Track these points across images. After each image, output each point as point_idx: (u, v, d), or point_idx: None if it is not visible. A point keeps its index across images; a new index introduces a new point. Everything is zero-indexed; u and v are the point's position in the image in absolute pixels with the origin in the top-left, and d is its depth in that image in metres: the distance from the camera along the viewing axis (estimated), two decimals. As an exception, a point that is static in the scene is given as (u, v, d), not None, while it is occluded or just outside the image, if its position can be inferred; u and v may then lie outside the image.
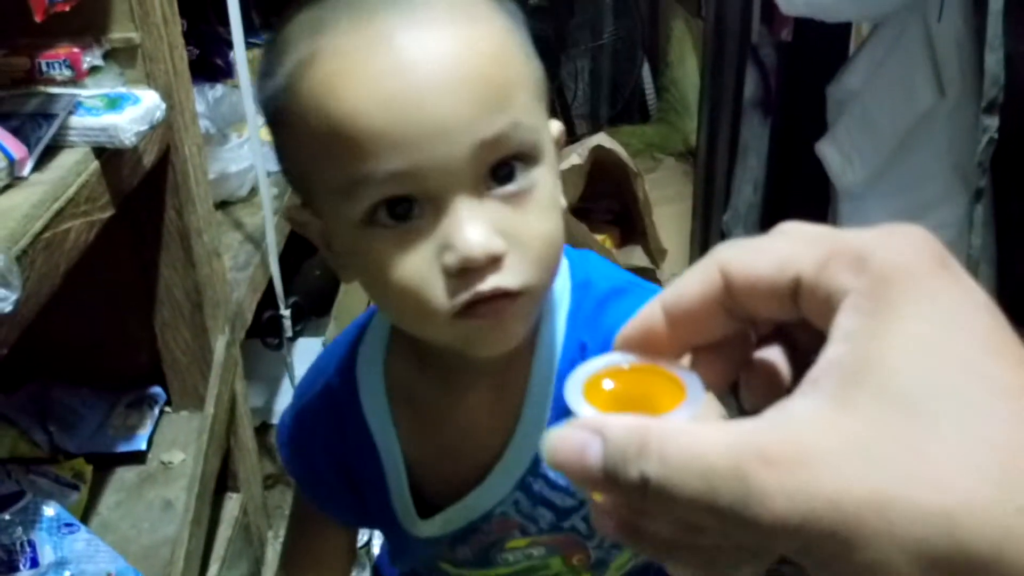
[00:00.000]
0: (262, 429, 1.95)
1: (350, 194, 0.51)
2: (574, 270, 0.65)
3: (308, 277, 2.50)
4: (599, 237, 2.60)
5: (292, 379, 1.72)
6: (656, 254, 2.50)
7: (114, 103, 0.92)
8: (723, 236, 1.33)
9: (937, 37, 1.01)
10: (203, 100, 1.86)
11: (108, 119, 0.89)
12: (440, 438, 0.67)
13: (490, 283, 0.51)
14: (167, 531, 1.09)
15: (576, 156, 2.46)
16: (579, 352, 0.62)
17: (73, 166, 0.87)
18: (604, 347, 0.43)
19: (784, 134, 1.21)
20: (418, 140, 0.49)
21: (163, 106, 0.98)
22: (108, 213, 0.93)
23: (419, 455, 0.68)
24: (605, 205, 2.72)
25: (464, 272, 0.51)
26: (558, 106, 3.23)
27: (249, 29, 2.10)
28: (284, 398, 1.99)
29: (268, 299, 1.58)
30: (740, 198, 1.26)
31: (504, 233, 0.51)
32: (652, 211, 2.54)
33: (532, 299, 0.54)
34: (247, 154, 1.69)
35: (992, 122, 0.87)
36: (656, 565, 0.72)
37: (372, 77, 0.49)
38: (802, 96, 1.16)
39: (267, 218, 1.51)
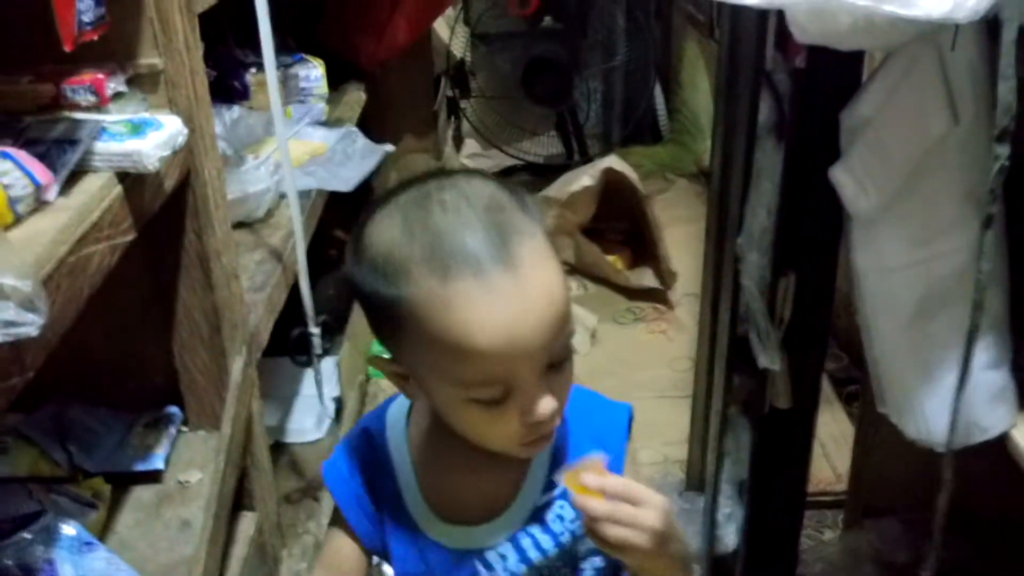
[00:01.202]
0: (276, 448, 1.96)
1: (467, 384, 0.72)
2: None
3: (322, 297, 2.51)
4: (610, 258, 2.62)
5: (321, 396, 1.73)
6: (667, 276, 2.51)
7: (137, 128, 0.94)
8: (737, 260, 1.33)
9: (950, 66, 1.02)
10: (220, 122, 1.88)
11: (132, 144, 0.91)
12: (450, 482, 0.84)
13: (545, 428, 0.76)
14: (184, 551, 1.10)
15: (588, 178, 2.48)
16: (572, 453, 0.84)
17: (97, 191, 0.89)
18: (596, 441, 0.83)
19: (798, 159, 1.22)
20: (519, 358, 0.71)
21: (185, 131, 1.00)
22: (130, 237, 0.95)
23: (431, 492, 0.85)
24: (617, 226, 2.74)
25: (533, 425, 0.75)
26: (571, 126, 3.25)
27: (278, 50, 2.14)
28: (299, 416, 2.00)
29: (287, 318, 1.59)
30: (754, 222, 1.27)
31: (553, 392, 0.74)
32: (663, 234, 2.56)
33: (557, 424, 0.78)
34: (264, 175, 1.71)
35: (1004, 150, 0.87)
36: None
37: (495, 318, 0.69)
38: (816, 122, 1.17)
39: (298, 240, 1.53)
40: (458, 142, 3.43)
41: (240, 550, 1.27)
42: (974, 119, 1.01)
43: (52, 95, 0.97)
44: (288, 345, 1.57)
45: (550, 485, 0.83)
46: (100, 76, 0.98)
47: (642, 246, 2.66)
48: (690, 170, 3.21)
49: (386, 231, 0.74)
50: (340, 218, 2.65)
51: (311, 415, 1.99)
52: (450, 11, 3.19)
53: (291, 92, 2.07)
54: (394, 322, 0.73)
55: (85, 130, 0.91)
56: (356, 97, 2.32)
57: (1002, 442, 1.13)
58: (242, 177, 1.69)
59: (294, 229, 1.42)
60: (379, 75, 2.54)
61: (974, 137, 1.00)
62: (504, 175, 3.33)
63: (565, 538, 0.83)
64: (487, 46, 3.35)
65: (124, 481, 1.19)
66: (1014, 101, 0.86)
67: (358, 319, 2.24)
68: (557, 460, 0.83)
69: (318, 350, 1.55)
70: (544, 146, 3.36)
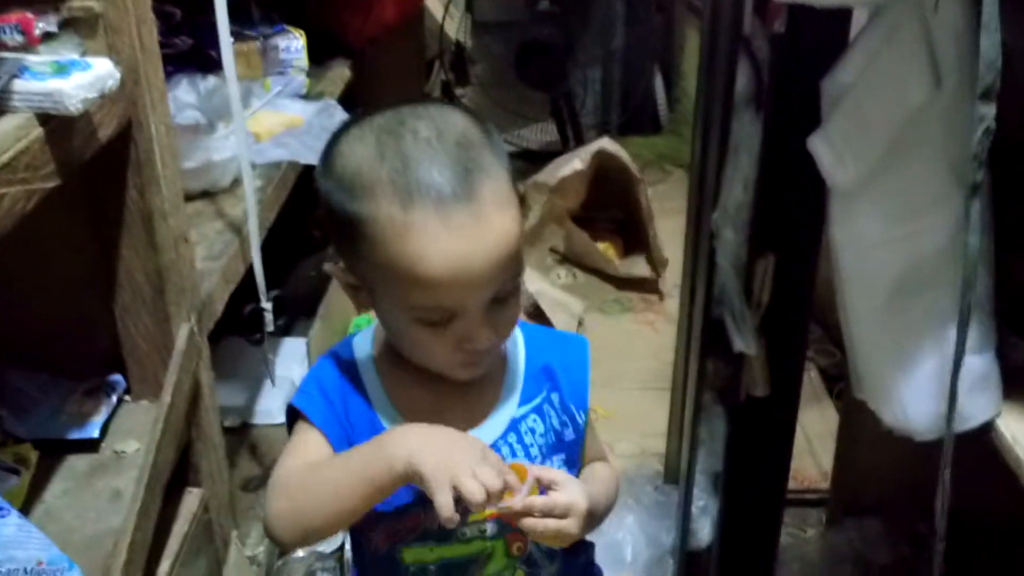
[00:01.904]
0: (242, 429, 1.91)
1: (415, 307, 0.77)
2: None
3: (301, 277, 2.46)
4: (601, 246, 2.55)
5: (272, 376, 1.67)
6: (657, 264, 2.45)
7: (63, 69, 0.88)
8: (712, 238, 1.27)
9: (934, 28, 0.95)
10: (194, 90, 1.83)
11: (53, 84, 0.85)
12: (425, 398, 0.86)
13: (482, 356, 0.82)
14: (113, 522, 1.04)
15: (579, 161, 2.41)
16: (544, 371, 0.91)
17: (12, 131, 0.83)
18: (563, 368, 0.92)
19: (777, 131, 1.15)
20: (467, 290, 0.76)
21: (117, 75, 0.93)
22: (52, 183, 0.88)
23: (405, 409, 0.86)
24: (609, 214, 2.67)
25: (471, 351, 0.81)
26: (567, 114, 3.19)
27: (247, 21, 2.08)
28: (266, 398, 1.94)
29: (253, 294, 1.53)
30: (730, 197, 1.21)
31: (496, 328, 0.80)
32: (654, 220, 2.49)
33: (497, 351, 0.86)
34: (231, 144, 1.65)
35: (988, 111, 0.81)
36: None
37: (449, 251, 0.74)
38: (796, 91, 1.11)
39: (250, 210, 1.47)
40: (452, 128, 3.37)
41: (181, 527, 1.21)
42: (957, 84, 0.94)
43: (-24, 32, 0.91)
44: (241, 322, 1.51)
45: (525, 399, 0.89)
46: (28, 15, 0.92)
47: (634, 236, 2.60)
48: (688, 161, 3.14)
49: (358, 149, 0.77)
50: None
51: (279, 397, 1.93)
52: (446, -6, 3.14)
53: (270, 63, 2.01)
54: (352, 236, 0.77)
55: (3, 68, 0.85)
56: (340, 73, 2.26)
57: (986, 433, 1.07)
58: (209, 144, 1.63)
59: (246, 197, 1.36)
60: (369, 53, 2.48)
61: (957, 103, 0.94)
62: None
63: (534, 451, 0.88)
64: (486, 32, 3.30)
65: (58, 449, 1.13)
66: (999, 56, 0.79)
67: (332, 299, 2.18)
68: (528, 379, 0.90)
69: (270, 327, 1.48)
70: (540, 133, 3.30)
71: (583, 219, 2.61)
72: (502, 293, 0.79)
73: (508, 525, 0.84)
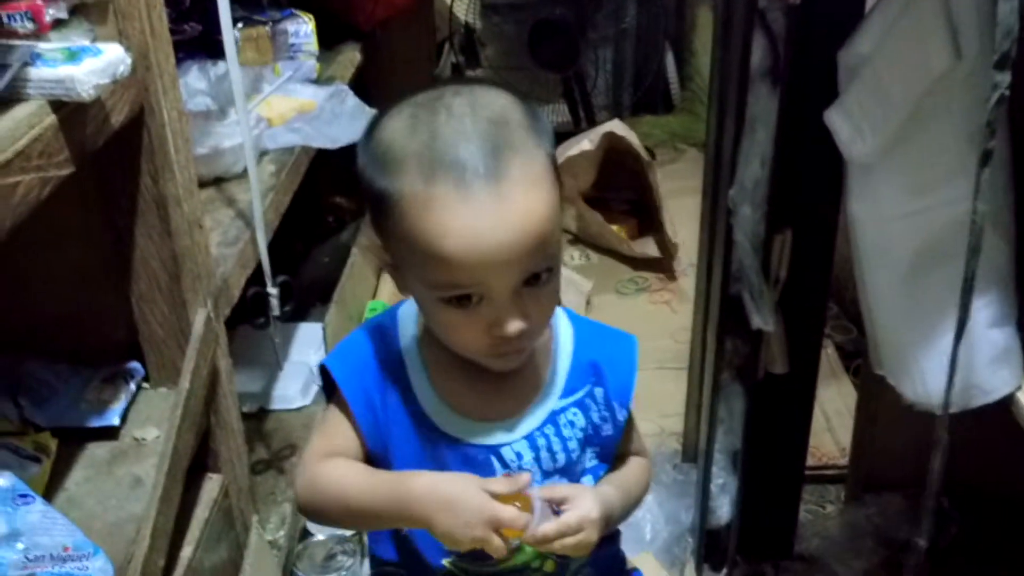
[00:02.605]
0: (260, 415, 1.91)
1: (437, 286, 0.76)
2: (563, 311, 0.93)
3: (316, 263, 2.46)
4: (614, 227, 2.54)
5: (280, 360, 1.66)
6: (669, 245, 2.44)
7: (74, 56, 0.87)
8: (729, 214, 1.26)
9: (954, -2, 0.94)
10: (204, 77, 1.82)
11: (64, 70, 0.85)
12: (467, 381, 0.85)
13: (513, 346, 0.79)
14: (134, 508, 1.04)
15: (587, 142, 2.40)
16: (590, 366, 0.89)
17: (26, 119, 0.83)
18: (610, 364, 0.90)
19: (794, 105, 1.14)
20: (488, 270, 0.74)
21: (128, 60, 0.93)
22: (66, 170, 0.88)
23: (445, 390, 0.86)
24: (623, 195, 2.66)
25: (501, 338, 0.78)
26: (578, 95, 3.17)
27: (256, 6, 2.07)
28: (284, 383, 1.94)
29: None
30: (747, 173, 1.20)
31: (527, 314, 0.77)
32: (668, 201, 2.48)
33: (533, 343, 0.83)
34: (242, 130, 1.64)
35: (1004, 78, 0.80)
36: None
37: (468, 228, 0.72)
38: (813, 63, 1.10)
39: (254, 195, 1.46)
40: (463, 111, 3.36)
41: (202, 513, 1.21)
42: (978, 54, 0.93)
43: (-13, 20, 0.91)
44: (245, 306, 1.51)
45: (568, 391, 0.88)
46: (38, 2, 0.92)
47: (648, 216, 2.59)
48: (701, 140, 3.11)
49: (394, 124, 0.77)
50: (340, 184, 2.60)
51: (297, 382, 1.93)
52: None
53: (280, 48, 2.00)
54: (384, 212, 0.76)
55: (15, 55, 0.85)
56: (350, 57, 2.25)
57: (1007, 407, 1.06)
58: (220, 131, 1.63)
59: (250, 181, 1.36)
60: (379, 36, 2.47)
61: (978, 74, 0.93)
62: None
63: (572, 444, 0.87)
64: (496, 14, 3.27)
65: (78, 437, 1.13)
66: (1016, 23, 0.78)
67: (347, 284, 2.18)
68: (574, 372, 0.88)
69: (275, 311, 1.48)
70: (552, 114, 3.28)
71: (596, 200, 2.60)
72: (533, 278, 0.76)
73: None
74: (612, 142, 2.42)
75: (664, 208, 2.44)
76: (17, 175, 0.80)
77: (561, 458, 0.88)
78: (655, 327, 2.24)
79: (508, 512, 0.76)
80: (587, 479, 0.90)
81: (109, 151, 1.02)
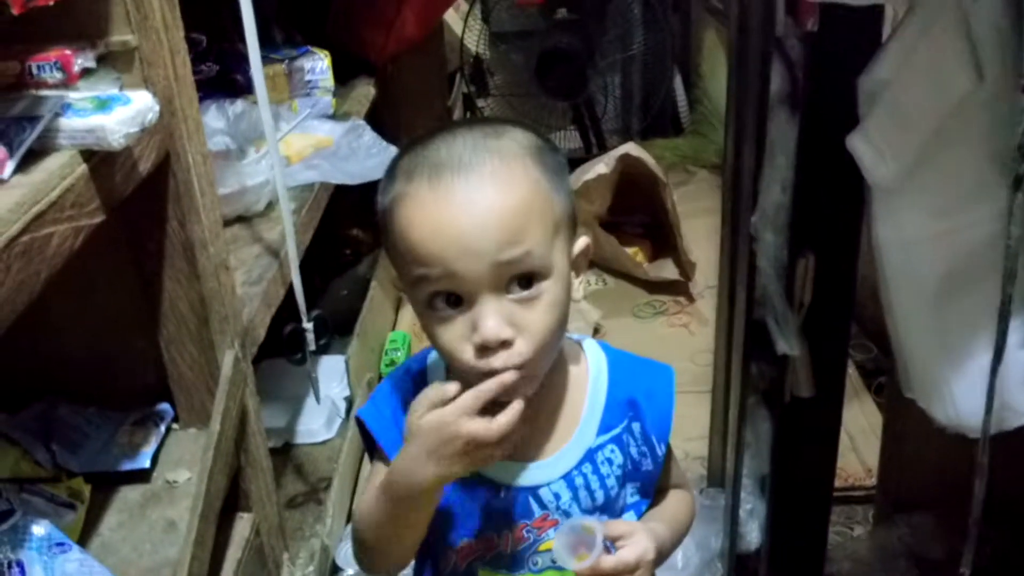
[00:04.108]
0: (285, 449, 1.91)
1: (415, 286, 0.76)
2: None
3: (335, 296, 2.46)
4: (630, 250, 2.55)
5: (317, 394, 1.67)
6: (686, 266, 2.44)
7: (104, 104, 0.89)
8: (752, 240, 1.26)
9: (974, 18, 0.94)
10: (223, 116, 1.84)
11: (95, 120, 0.86)
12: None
13: (500, 360, 0.75)
14: (169, 553, 1.05)
15: (603, 166, 2.41)
16: (627, 401, 0.88)
17: (58, 169, 0.84)
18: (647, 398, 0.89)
19: (813, 130, 1.14)
20: (456, 258, 0.73)
21: (156, 108, 0.94)
22: (98, 219, 0.90)
23: None
24: (637, 218, 2.67)
25: (484, 349, 0.74)
26: (588, 120, 3.19)
27: (270, 44, 2.10)
28: (308, 417, 1.94)
29: (290, 315, 1.54)
30: (768, 199, 1.20)
31: (514, 324, 0.74)
32: (681, 222, 2.48)
33: (533, 369, 0.77)
34: (264, 168, 1.66)
35: (1031, 102, 0.80)
36: None
37: (434, 219, 0.73)
38: (831, 89, 1.10)
39: (288, 232, 1.47)
40: (475, 139, 3.38)
41: (235, 553, 1.22)
42: (1000, 75, 0.94)
43: (17, 73, 0.92)
44: (281, 342, 1.51)
45: (604, 428, 0.86)
46: (67, 52, 0.93)
47: (663, 239, 2.59)
48: (712, 161, 3.13)
49: (408, 153, 0.79)
50: (357, 217, 2.61)
51: (321, 416, 1.94)
52: (463, 5, 3.14)
53: (296, 85, 2.02)
54: (382, 228, 0.78)
55: (47, 106, 0.86)
56: (365, 91, 2.27)
57: (1040, 427, 1.05)
58: (242, 170, 1.64)
59: (283, 220, 1.37)
60: (391, 70, 2.50)
61: (1000, 95, 0.93)
62: (522, 171, 3.26)
63: (611, 482, 0.86)
64: (504, 44, 3.30)
65: (111, 481, 1.14)
66: (1042, 46, 0.79)
67: (368, 317, 2.18)
68: (610, 408, 0.86)
69: (311, 347, 1.49)
70: (562, 141, 3.30)
71: (610, 224, 2.60)
72: (517, 284, 0.74)
73: None
74: (627, 164, 2.42)
75: (680, 225, 2.45)
76: (51, 226, 0.82)
77: (600, 496, 0.86)
78: (674, 350, 2.24)
79: (478, 423, 0.74)
80: (629, 515, 0.89)
81: (136, 197, 1.03)
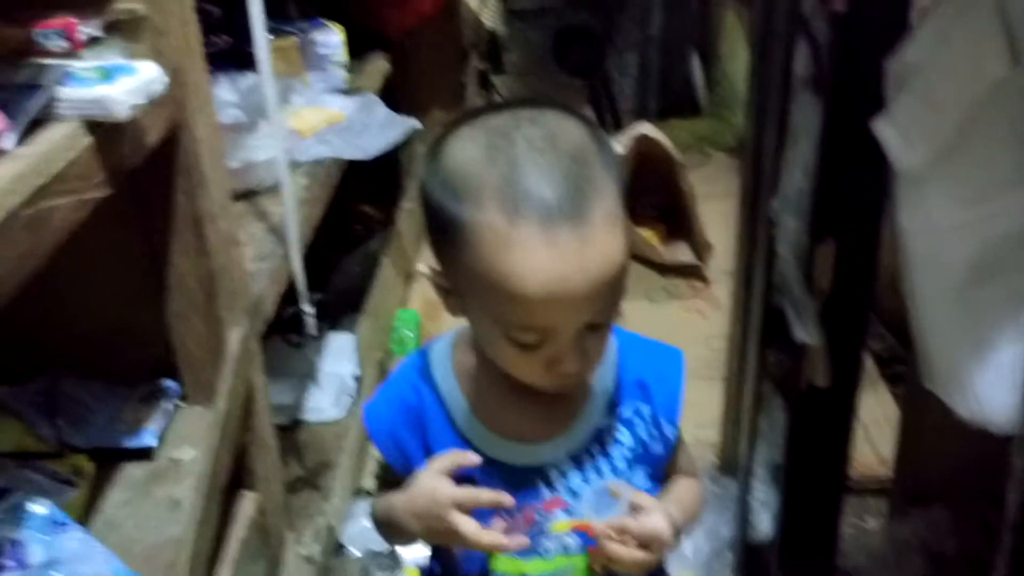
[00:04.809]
0: (292, 427, 1.90)
1: (508, 324, 0.74)
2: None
3: (346, 272, 2.44)
4: (644, 233, 2.52)
5: (316, 378, 1.65)
6: (702, 249, 2.41)
7: (108, 74, 0.86)
8: (771, 225, 1.23)
9: (1009, 2, 0.91)
10: (235, 89, 1.81)
11: (100, 90, 0.84)
12: (507, 404, 0.84)
13: (571, 380, 0.80)
14: (173, 531, 1.03)
15: (618, 147, 2.37)
16: (636, 383, 0.88)
17: (62, 140, 0.82)
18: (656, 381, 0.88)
19: (838, 114, 1.11)
20: (565, 313, 0.73)
21: (164, 79, 0.92)
22: (103, 192, 0.87)
23: (486, 415, 0.85)
24: (652, 200, 2.63)
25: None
26: (604, 101, 3.15)
27: (284, 17, 2.07)
28: (314, 395, 1.93)
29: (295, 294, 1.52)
30: (790, 184, 1.17)
31: (586, 353, 0.77)
32: (698, 205, 2.45)
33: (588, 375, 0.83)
34: (273, 143, 1.63)
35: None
36: None
37: (552, 272, 0.70)
38: (858, 73, 1.07)
39: (289, 212, 1.45)
40: (489, 117, 3.34)
41: (239, 532, 1.20)
42: (1036, 60, 0.90)
43: (21, 40, 0.90)
44: (281, 326, 1.50)
45: (612, 409, 0.86)
46: (71, 20, 0.91)
47: (677, 221, 2.56)
48: (729, 144, 3.09)
49: (468, 149, 0.74)
50: (368, 193, 2.59)
51: (329, 393, 1.92)
52: (480, -19, 3.10)
53: (309, 59, 1.99)
54: (452, 240, 0.74)
55: (50, 75, 0.84)
56: (379, 66, 2.24)
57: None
58: (252, 144, 1.62)
59: (284, 201, 1.34)
60: (407, 45, 2.46)
61: (1037, 80, 0.90)
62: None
63: (620, 464, 0.86)
64: (521, 21, 3.26)
65: (115, 458, 1.12)
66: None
67: (377, 295, 2.16)
68: (619, 390, 0.86)
69: (311, 331, 1.47)
70: (578, 121, 3.26)
71: (625, 205, 2.57)
72: (599, 319, 0.75)
73: (590, 539, 0.83)
74: (642, 145, 2.39)
75: (696, 206, 2.41)
76: (54, 199, 0.79)
77: (609, 477, 0.86)
78: (688, 335, 2.21)
79: (464, 524, 0.80)
80: None
81: (144, 170, 1.01)
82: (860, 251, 1.24)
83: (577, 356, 0.76)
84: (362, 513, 1.66)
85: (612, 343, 0.88)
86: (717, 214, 2.59)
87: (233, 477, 1.22)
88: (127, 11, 0.98)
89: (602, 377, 0.87)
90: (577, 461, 0.85)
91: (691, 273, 2.44)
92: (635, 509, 0.82)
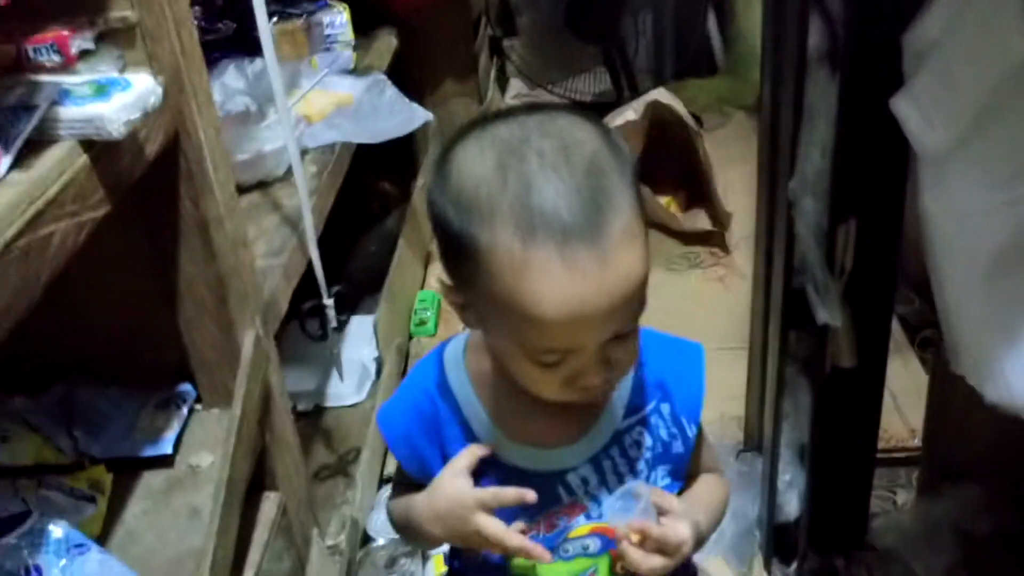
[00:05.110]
0: (315, 413, 1.90)
1: (527, 346, 0.73)
2: None
3: (364, 252, 2.42)
4: (663, 200, 2.48)
5: (340, 370, 1.65)
6: (722, 217, 2.37)
7: (102, 90, 0.84)
8: (790, 207, 1.20)
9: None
10: (242, 76, 1.79)
11: (93, 108, 0.82)
12: (524, 409, 0.82)
13: (594, 393, 0.77)
14: (194, 541, 1.03)
15: (631, 112, 2.33)
16: (655, 382, 0.85)
17: (56, 163, 0.80)
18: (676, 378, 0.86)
19: (855, 91, 1.08)
20: (580, 333, 0.71)
21: (159, 90, 0.90)
22: (103, 211, 0.86)
23: (503, 420, 0.84)
24: (670, 166, 2.59)
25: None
26: (619, 62, 3.09)
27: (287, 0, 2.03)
28: (337, 380, 1.91)
29: (314, 281, 1.50)
30: (808, 164, 1.13)
31: (610, 363, 0.74)
32: (716, 170, 2.40)
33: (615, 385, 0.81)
34: (282, 132, 1.61)
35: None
36: None
37: (570, 296, 0.67)
38: (875, 47, 1.03)
39: (304, 204, 1.43)
40: (502, 84, 3.30)
41: (262, 535, 1.20)
42: (1064, 35, 0.86)
43: (14, 56, 0.88)
44: (300, 319, 1.48)
45: (631, 410, 0.84)
46: (64, 33, 0.88)
47: (697, 187, 2.52)
48: (748, 103, 3.03)
49: (477, 166, 0.71)
50: (384, 170, 2.56)
51: (351, 378, 1.91)
52: (489, -54, 3.04)
53: (315, 40, 1.96)
54: (466, 259, 0.71)
55: (43, 94, 0.82)
56: (387, 43, 2.21)
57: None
58: (261, 134, 1.59)
59: (299, 189, 1.32)
60: (415, 19, 2.42)
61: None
62: (552, 117, 3.18)
63: (640, 465, 0.84)
64: (532, -18, 3.20)
65: (133, 466, 1.12)
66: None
67: (395, 278, 2.15)
68: (640, 391, 0.84)
69: (332, 323, 1.45)
70: (592, 84, 3.20)
71: (642, 173, 2.52)
72: (622, 331, 0.73)
73: (612, 542, 0.82)
74: (657, 111, 2.34)
75: (715, 179, 2.37)
76: (51, 224, 0.78)
77: (629, 480, 0.85)
78: (710, 306, 2.19)
79: (491, 525, 0.79)
80: None
81: (146, 179, 0.99)
82: (883, 228, 1.21)
83: (600, 368, 0.74)
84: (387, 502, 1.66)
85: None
86: (736, 178, 2.54)
87: (255, 479, 1.21)
88: (119, 19, 0.95)
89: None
90: (597, 465, 0.84)
91: (711, 240, 2.40)
92: (661, 513, 0.80)
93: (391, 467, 1.79)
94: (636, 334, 0.76)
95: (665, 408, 0.86)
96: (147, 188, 1.05)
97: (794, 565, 1.49)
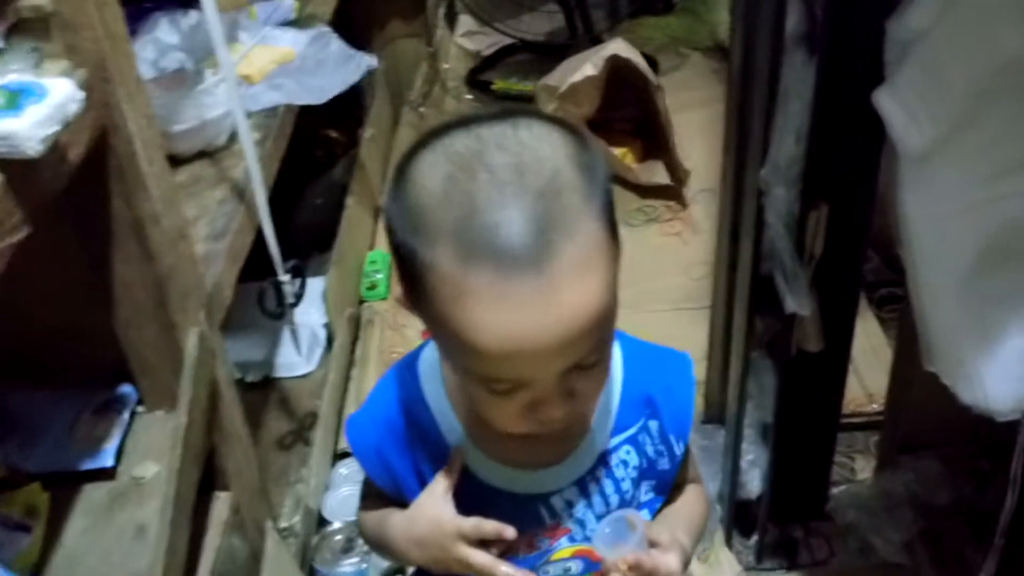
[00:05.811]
0: (265, 384, 1.84)
1: (470, 372, 0.68)
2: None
3: (310, 205, 2.33)
4: (619, 151, 2.42)
5: (297, 344, 1.59)
6: (680, 172, 2.32)
7: (13, 101, 0.75)
8: (760, 195, 1.15)
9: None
10: (176, 29, 1.67)
11: (5, 125, 0.73)
12: (502, 434, 0.75)
13: (556, 425, 0.71)
14: (139, 563, 0.98)
15: (591, 66, 2.25)
16: (643, 399, 0.81)
17: (-34, 188, 0.72)
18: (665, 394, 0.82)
19: (833, 76, 1.02)
20: (530, 367, 0.65)
21: (79, 95, 0.81)
22: (22, 233, 0.78)
23: (483, 440, 0.79)
24: (626, 114, 2.52)
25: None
26: (573, 1, 2.98)
27: (223, -56, 1.89)
28: (287, 349, 1.85)
29: (262, 249, 1.42)
30: (780, 150, 1.08)
31: (572, 394, 0.69)
32: (673, 117, 2.34)
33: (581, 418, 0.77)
34: (223, 96, 1.51)
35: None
36: None
37: (506, 326, 0.62)
38: (855, 31, 0.98)
39: (253, 175, 1.35)
40: (451, 21, 3.17)
41: (213, 540, 1.15)
42: (1057, 35, 0.81)
43: (-87, 59, 0.79)
44: (258, 297, 1.41)
45: (619, 429, 0.81)
46: (-31, 31, 0.79)
47: (654, 137, 2.45)
48: (705, 44, 2.96)
49: (428, 179, 0.66)
50: (329, 116, 2.45)
51: (300, 347, 1.85)
52: None
53: (254, -11, 1.84)
54: (413, 276, 0.67)
55: (-52, 108, 0.73)
56: (330, -14, 2.09)
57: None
58: (201, 100, 1.49)
59: (247, 163, 1.25)
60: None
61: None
62: (502, 56, 3.08)
63: (626, 485, 0.82)
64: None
65: (72, 478, 1.06)
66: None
67: (344, 239, 2.07)
68: (625, 408, 0.81)
69: (290, 299, 1.39)
70: (545, 22, 3.10)
71: (598, 122, 2.45)
72: (583, 363, 0.67)
73: (594, 565, 0.80)
74: (617, 63, 2.26)
75: (673, 131, 2.31)
76: (-36, 259, 0.70)
77: (615, 500, 0.82)
78: (667, 263, 2.15)
79: (477, 556, 0.76)
80: (643, 513, 0.85)
81: (72, 181, 0.91)
82: (853, 214, 1.17)
83: (561, 400, 0.68)
84: (342, 481, 1.62)
85: (616, 353, 0.82)
86: (695, 124, 2.48)
87: (203, 481, 1.16)
88: (32, 8, 0.86)
89: (606, 395, 0.80)
90: (583, 487, 0.81)
91: (668, 194, 2.35)
92: (652, 545, 0.77)
93: (344, 443, 1.74)
94: (603, 364, 0.71)
95: (653, 425, 0.82)
96: (74, 190, 0.97)
97: (754, 538, 1.49)
